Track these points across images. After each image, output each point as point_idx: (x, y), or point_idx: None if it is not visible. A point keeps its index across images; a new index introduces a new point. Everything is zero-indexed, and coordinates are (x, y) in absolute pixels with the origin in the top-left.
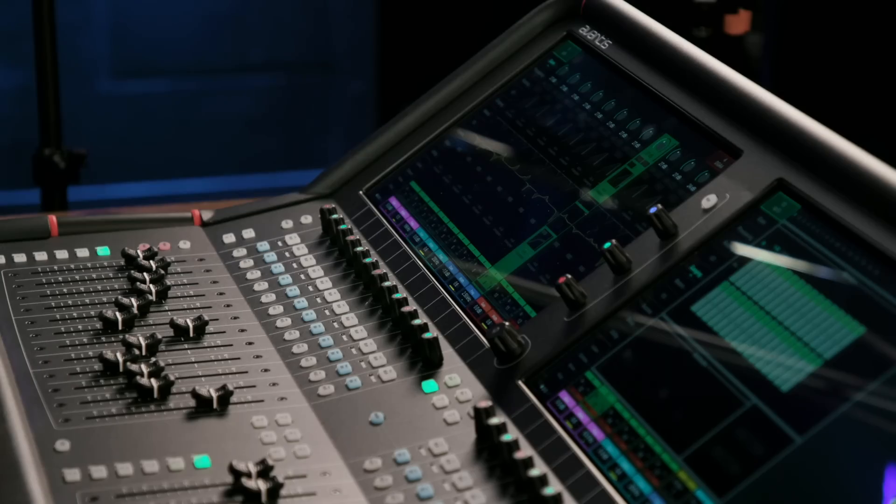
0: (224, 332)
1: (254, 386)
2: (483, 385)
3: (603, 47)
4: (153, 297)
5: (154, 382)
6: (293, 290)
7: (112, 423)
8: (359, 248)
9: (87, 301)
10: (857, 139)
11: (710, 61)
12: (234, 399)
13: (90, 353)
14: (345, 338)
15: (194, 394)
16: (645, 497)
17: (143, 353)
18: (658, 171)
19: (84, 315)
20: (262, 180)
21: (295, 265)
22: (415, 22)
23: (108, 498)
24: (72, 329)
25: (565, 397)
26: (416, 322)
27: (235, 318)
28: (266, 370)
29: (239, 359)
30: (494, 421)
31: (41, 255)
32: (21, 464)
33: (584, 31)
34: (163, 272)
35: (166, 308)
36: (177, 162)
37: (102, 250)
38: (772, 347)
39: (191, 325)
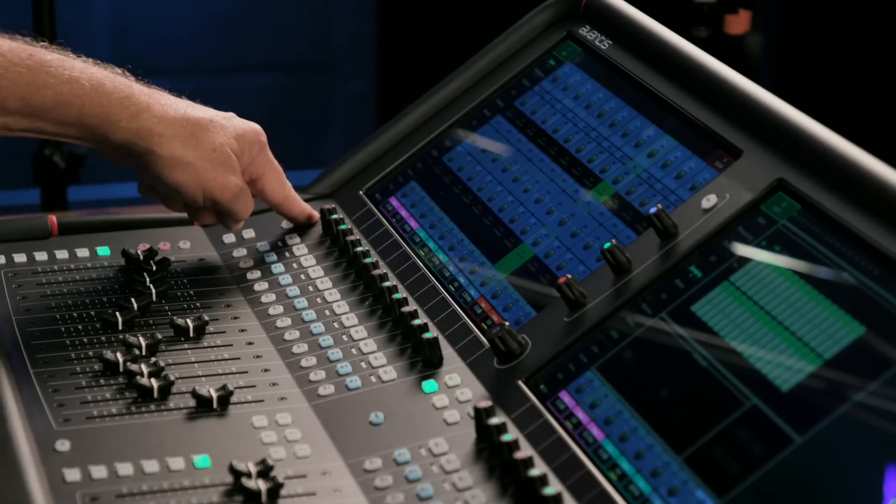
0: (224, 332)
1: (254, 386)
2: (483, 385)
3: (603, 47)
4: (153, 297)
5: (154, 382)
6: (293, 291)
7: (112, 423)
8: (359, 249)
9: (87, 301)
10: (857, 139)
11: (710, 61)
12: (234, 399)
13: (90, 353)
14: (345, 338)
15: (194, 394)
16: (645, 497)
17: (143, 353)
18: (658, 172)
19: (84, 315)
20: None
21: (295, 265)
22: (415, 22)
23: (108, 498)
24: (72, 329)
25: (565, 397)
26: (416, 322)
27: (235, 318)
28: (266, 370)
29: (239, 359)
30: (494, 421)
31: (41, 255)
32: (21, 464)
33: (584, 31)
34: (163, 272)
35: (166, 308)
36: None
37: (102, 250)
38: (772, 347)
39: (191, 325)
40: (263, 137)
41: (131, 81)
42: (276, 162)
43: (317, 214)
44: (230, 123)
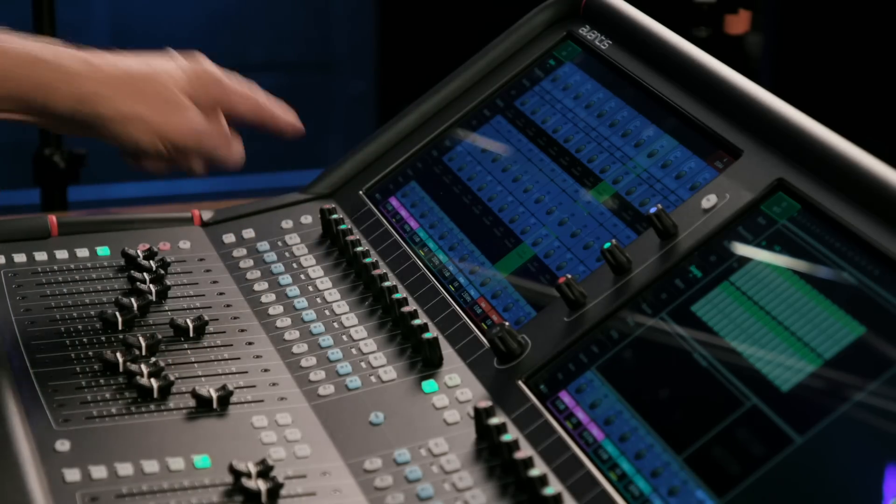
0: (224, 332)
1: (254, 386)
2: (483, 385)
3: (603, 47)
4: (153, 297)
5: (154, 382)
6: (293, 290)
7: (112, 423)
8: (359, 248)
9: (87, 301)
10: (857, 139)
11: (710, 61)
12: (234, 399)
13: (90, 353)
14: (345, 338)
15: (194, 394)
16: (645, 497)
17: (143, 353)
18: (658, 171)
19: (84, 315)
20: (262, 180)
21: (295, 265)
22: (415, 22)
23: (108, 498)
24: (72, 329)
25: (565, 397)
26: (416, 322)
27: (235, 318)
28: (266, 370)
29: (239, 359)
30: (494, 421)
31: (41, 255)
32: (21, 464)
33: (584, 31)
34: (163, 272)
35: (166, 308)
36: None
37: (102, 250)
38: (772, 347)
39: (191, 325)
40: (209, 65)
41: (62, 47)
42: (236, 85)
43: (300, 125)
44: (172, 64)
